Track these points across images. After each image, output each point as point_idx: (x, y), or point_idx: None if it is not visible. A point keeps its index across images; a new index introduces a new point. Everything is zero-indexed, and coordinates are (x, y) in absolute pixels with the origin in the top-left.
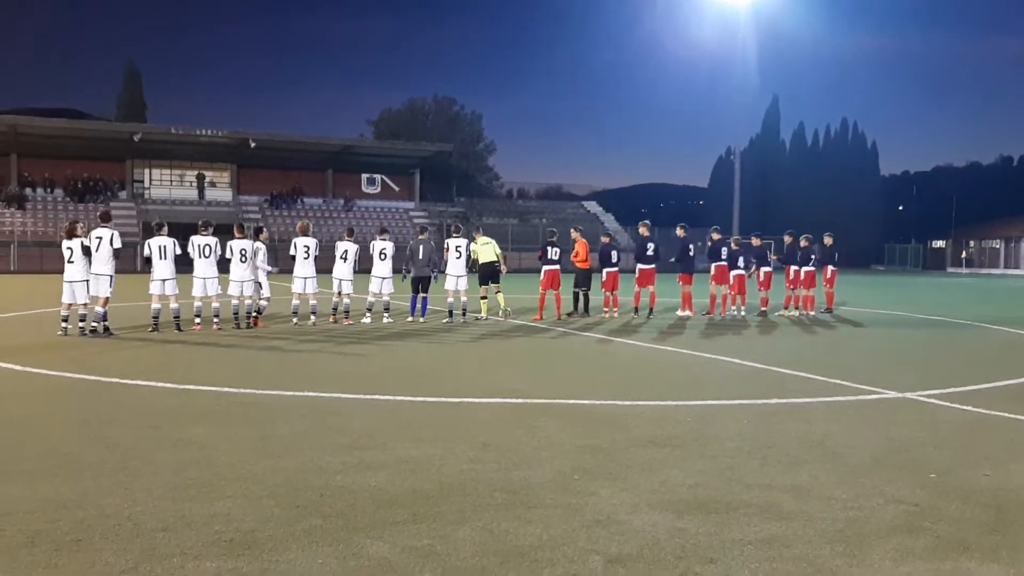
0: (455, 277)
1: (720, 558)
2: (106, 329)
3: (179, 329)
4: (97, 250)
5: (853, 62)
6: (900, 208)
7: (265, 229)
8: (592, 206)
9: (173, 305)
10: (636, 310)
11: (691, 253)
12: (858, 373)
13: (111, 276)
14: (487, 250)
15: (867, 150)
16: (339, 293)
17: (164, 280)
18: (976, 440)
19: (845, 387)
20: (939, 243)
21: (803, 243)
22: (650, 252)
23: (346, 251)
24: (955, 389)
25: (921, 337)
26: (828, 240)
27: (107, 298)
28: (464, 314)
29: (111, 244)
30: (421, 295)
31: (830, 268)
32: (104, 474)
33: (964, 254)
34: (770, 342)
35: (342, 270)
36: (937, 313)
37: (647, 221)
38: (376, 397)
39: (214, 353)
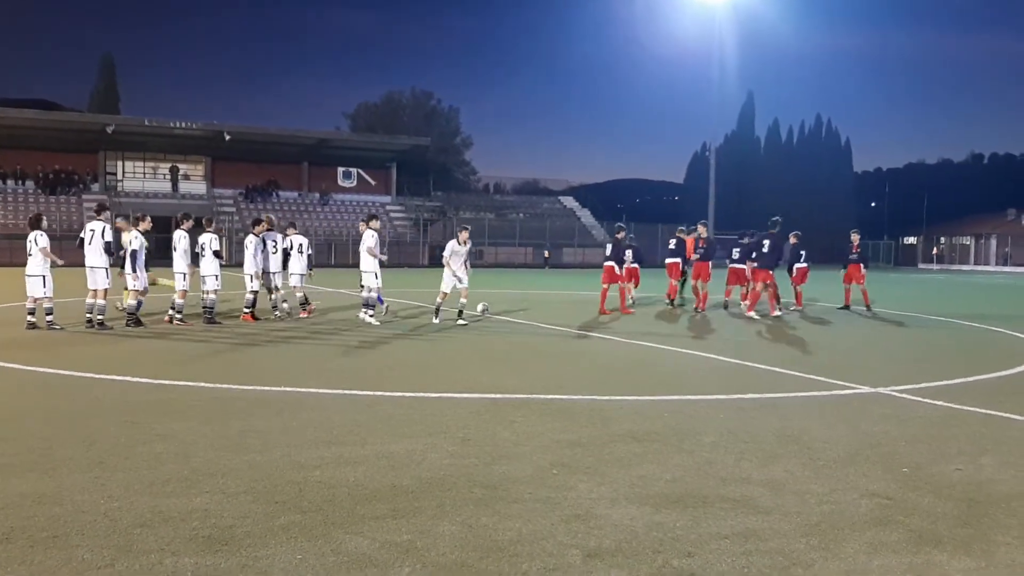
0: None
1: (697, 552)
2: (100, 323)
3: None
4: (90, 243)
5: (828, 59)
6: (873, 205)
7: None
8: (569, 201)
9: (130, 301)
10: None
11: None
12: (832, 369)
13: (106, 268)
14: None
15: (841, 147)
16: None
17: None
18: (948, 435)
19: (820, 383)
20: (911, 239)
21: (792, 240)
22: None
23: (301, 245)
24: (927, 384)
25: (893, 333)
26: (793, 239)
27: (105, 290)
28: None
29: (102, 237)
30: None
31: (796, 266)
32: (80, 470)
33: (935, 250)
34: (748, 339)
35: (296, 264)
36: (909, 309)
37: (704, 221)
38: (355, 392)
39: (190, 348)
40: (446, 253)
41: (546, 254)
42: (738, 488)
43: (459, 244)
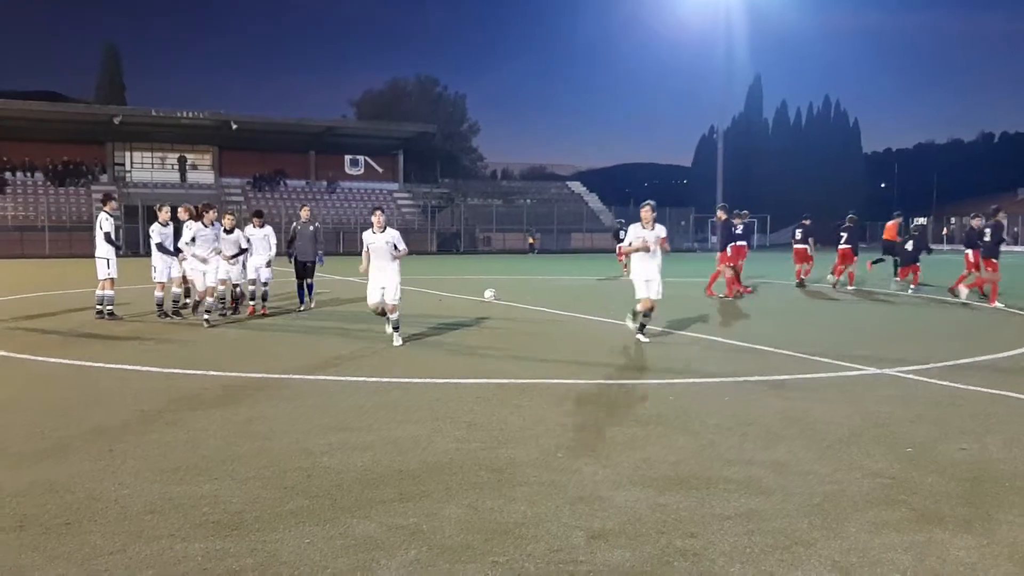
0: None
1: (701, 532)
2: (110, 313)
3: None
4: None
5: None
6: (883, 185)
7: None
8: (576, 186)
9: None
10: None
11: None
12: (837, 349)
13: (107, 259)
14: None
15: (849, 128)
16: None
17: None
18: (953, 415)
19: (825, 364)
20: (921, 220)
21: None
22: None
23: (266, 236)
24: (933, 365)
25: (900, 313)
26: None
27: (111, 280)
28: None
29: (99, 227)
30: (307, 281)
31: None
32: (92, 458)
33: (945, 231)
34: (753, 321)
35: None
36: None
37: (723, 205)
38: (361, 379)
39: (199, 337)
40: (631, 239)
41: (531, 240)
42: (741, 469)
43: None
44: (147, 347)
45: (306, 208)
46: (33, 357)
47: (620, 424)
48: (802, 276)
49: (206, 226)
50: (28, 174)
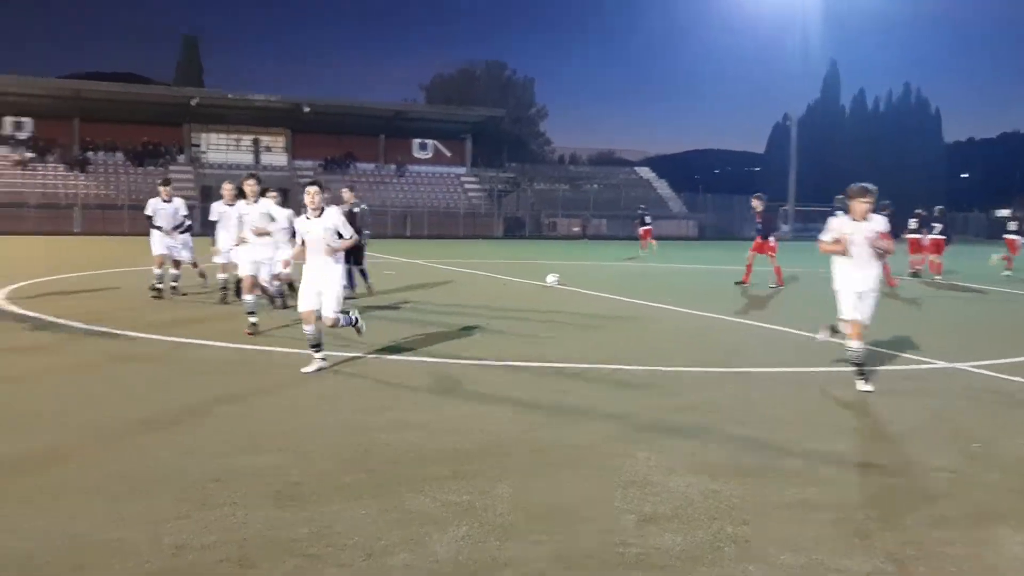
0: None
1: (753, 520)
2: (173, 290)
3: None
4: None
5: (917, 25)
6: (964, 176)
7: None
8: (645, 172)
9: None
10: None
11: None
12: (907, 343)
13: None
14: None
15: (930, 116)
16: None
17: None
18: (1022, 411)
19: (893, 356)
20: (1003, 212)
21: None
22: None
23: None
24: (1005, 360)
25: (975, 308)
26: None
27: (172, 260)
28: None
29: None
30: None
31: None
32: (159, 428)
33: None
34: (820, 310)
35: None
36: (994, 284)
37: (759, 194)
38: (422, 359)
39: (265, 316)
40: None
41: (580, 227)
42: (799, 460)
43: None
44: (215, 322)
45: (347, 190)
46: (107, 328)
47: (676, 411)
48: (917, 267)
49: (165, 201)
50: (110, 154)
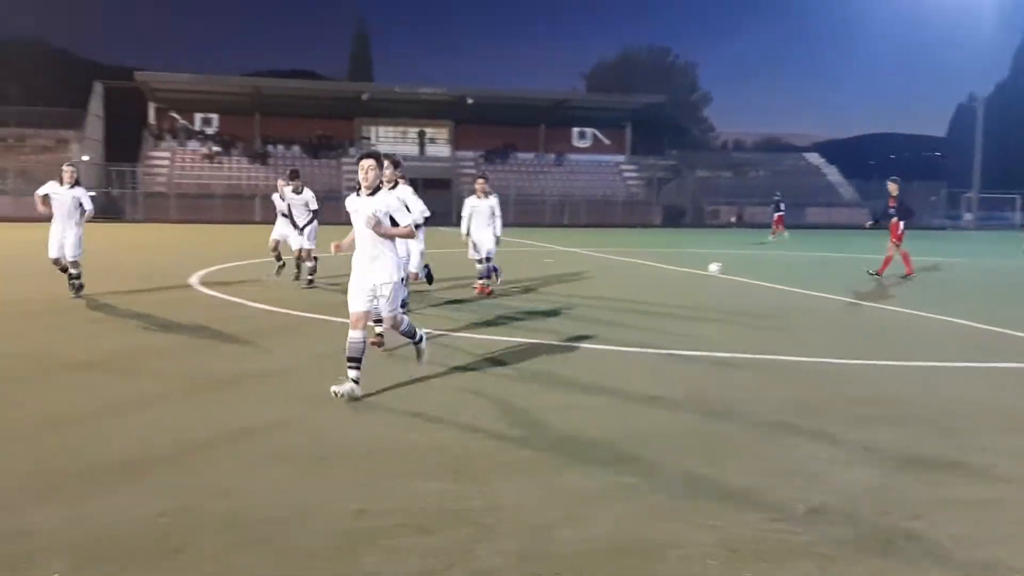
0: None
1: (926, 515)
2: (309, 282)
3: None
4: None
5: None
6: None
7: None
8: (814, 158)
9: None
10: None
11: None
12: None
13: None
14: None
15: None
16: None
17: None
18: None
19: None
20: None
21: None
22: None
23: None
24: None
25: None
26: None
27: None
28: None
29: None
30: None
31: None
32: (340, 406)
33: None
34: (1005, 304)
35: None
36: None
37: (894, 178)
38: (589, 346)
39: (459, 304)
40: None
41: (733, 219)
42: (977, 456)
43: None
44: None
45: (481, 180)
46: (289, 311)
47: (847, 404)
48: None
49: (61, 185)
50: (287, 147)
